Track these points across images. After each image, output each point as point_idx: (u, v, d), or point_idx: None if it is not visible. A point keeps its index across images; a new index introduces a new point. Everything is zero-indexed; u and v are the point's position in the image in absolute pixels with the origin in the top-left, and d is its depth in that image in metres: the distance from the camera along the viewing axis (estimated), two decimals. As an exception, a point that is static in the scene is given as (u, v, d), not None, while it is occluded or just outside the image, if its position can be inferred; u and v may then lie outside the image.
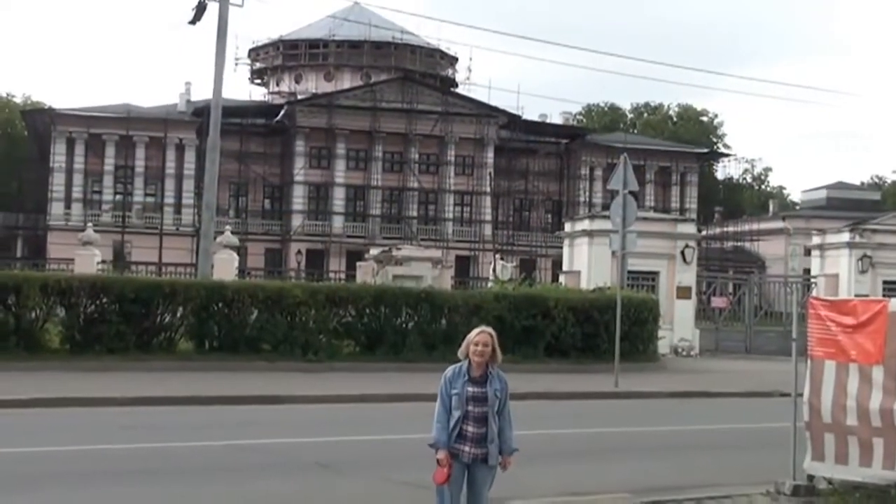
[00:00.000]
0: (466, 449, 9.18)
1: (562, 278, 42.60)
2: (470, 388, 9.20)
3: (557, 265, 61.92)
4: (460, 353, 9.34)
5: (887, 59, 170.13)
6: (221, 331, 26.98)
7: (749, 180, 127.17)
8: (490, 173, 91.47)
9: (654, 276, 39.90)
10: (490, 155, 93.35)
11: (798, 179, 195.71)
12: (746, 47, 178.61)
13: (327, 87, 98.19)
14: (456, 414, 9.17)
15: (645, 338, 32.01)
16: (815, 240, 47.20)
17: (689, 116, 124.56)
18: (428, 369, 24.52)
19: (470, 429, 9.17)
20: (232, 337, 26.85)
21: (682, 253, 40.35)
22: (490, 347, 9.23)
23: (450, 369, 9.35)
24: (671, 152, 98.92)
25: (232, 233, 45.97)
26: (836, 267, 44.23)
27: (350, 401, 22.12)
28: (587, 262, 40.10)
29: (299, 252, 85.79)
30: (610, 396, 25.02)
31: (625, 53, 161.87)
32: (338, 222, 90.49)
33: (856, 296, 34.54)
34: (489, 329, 9.36)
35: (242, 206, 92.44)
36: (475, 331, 9.35)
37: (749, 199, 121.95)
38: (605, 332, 29.85)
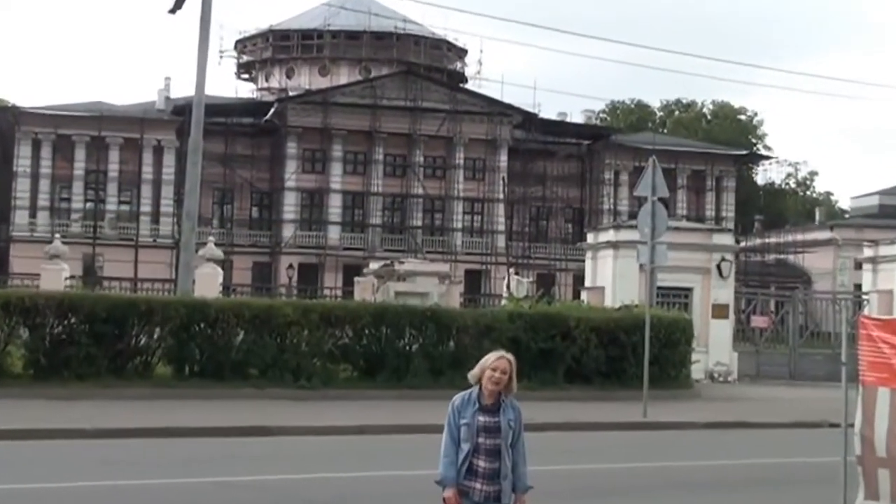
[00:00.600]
0: (477, 486, 9.14)
1: (584, 295, 42.56)
2: (481, 418, 9.16)
3: (579, 280, 61.84)
4: (472, 376, 9.28)
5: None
6: (204, 354, 26.94)
7: (792, 185, 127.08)
8: (503, 178, 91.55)
9: (686, 292, 39.82)
10: (503, 158, 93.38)
11: (847, 185, 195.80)
12: (785, 38, 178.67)
13: (322, 83, 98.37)
14: (465, 447, 9.13)
15: (677, 362, 31.92)
16: (867, 252, 47.08)
17: (726, 115, 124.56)
18: (434, 397, 24.50)
19: (481, 464, 9.13)
20: (215, 361, 26.81)
21: (719, 267, 40.28)
22: (508, 376, 9.20)
23: (458, 397, 9.31)
24: (705, 154, 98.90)
25: (216, 244, 45.96)
26: (891, 282, 44.10)
27: (347, 432, 22.09)
28: (612, 278, 40.04)
29: (290, 266, 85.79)
30: (638, 427, 24.98)
31: (653, 45, 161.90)
32: (333, 233, 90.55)
33: (913, 314, 34.42)
34: (509, 355, 9.30)
35: (227, 214, 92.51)
36: (493, 355, 9.30)
37: (793, 207, 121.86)
38: (633, 356, 29.78)
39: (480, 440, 9.14)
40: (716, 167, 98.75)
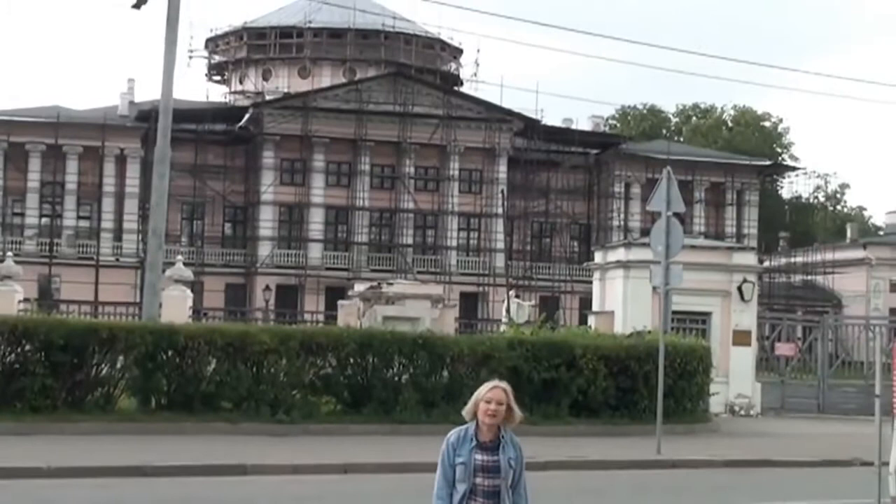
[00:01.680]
0: (474, 531, 9.17)
1: (591, 320, 42.61)
2: (479, 456, 9.20)
3: (585, 304, 61.85)
4: (466, 412, 9.33)
5: None
6: (171, 385, 26.96)
7: (821, 199, 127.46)
8: (502, 191, 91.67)
9: (704, 317, 39.89)
10: (502, 168, 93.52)
11: (882, 199, 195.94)
12: (813, 35, 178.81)
13: (302, 86, 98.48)
14: (461, 488, 9.16)
15: (694, 394, 31.98)
16: (904, 273, 47.16)
17: (748, 121, 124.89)
18: (425, 432, 24.63)
19: (479, 507, 9.17)
20: (184, 393, 26.83)
21: (740, 289, 40.35)
22: (504, 406, 9.22)
23: (453, 433, 9.35)
24: (725, 165, 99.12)
25: (185, 264, 46.04)
26: (930, 306, 44.24)
27: (330, 471, 22.11)
28: (622, 301, 40.10)
29: (267, 288, 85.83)
30: (651, 466, 25.03)
31: (668, 45, 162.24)
32: (315, 251, 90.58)
33: (954, 342, 34.47)
34: (503, 384, 9.35)
35: (198, 231, 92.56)
36: (486, 386, 9.35)
37: (822, 223, 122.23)
38: (645, 387, 29.86)
39: (478, 480, 9.17)
40: (737, 179, 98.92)
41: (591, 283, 46.08)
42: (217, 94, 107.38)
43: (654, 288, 30.41)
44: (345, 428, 27.20)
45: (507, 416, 9.26)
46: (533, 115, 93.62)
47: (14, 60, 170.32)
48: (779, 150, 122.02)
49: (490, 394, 9.25)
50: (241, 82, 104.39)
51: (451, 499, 9.19)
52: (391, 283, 40.54)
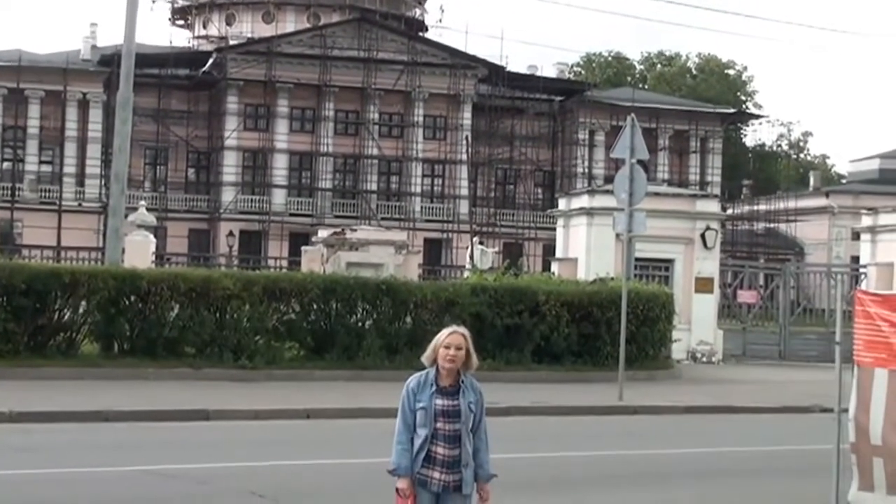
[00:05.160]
0: (436, 475, 9.21)
1: (554, 267, 42.72)
2: (439, 401, 9.24)
3: (549, 251, 62.00)
4: (425, 359, 9.37)
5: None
6: (134, 330, 26.92)
7: (785, 148, 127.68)
8: (467, 137, 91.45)
9: (667, 264, 40.04)
10: (467, 115, 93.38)
11: (845, 147, 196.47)
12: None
13: (266, 31, 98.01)
14: (422, 433, 9.20)
15: (656, 340, 32.13)
16: (866, 221, 47.38)
17: (712, 69, 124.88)
18: (388, 378, 24.65)
19: (440, 451, 9.20)
20: (147, 338, 26.79)
21: (703, 236, 40.49)
22: (463, 351, 9.26)
23: (413, 378, 9.39)
24: (689, 113, 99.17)
25: (148, 209, 45.93)
26: (891, 254, 44.40)
27: (293, 416, 22.15)
28: (585, 248, 40.19)
29: (231, 234, 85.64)
30: (613, 412, 25.14)
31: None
32: (279, 197, 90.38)
33: (914, 289, 34.68)
34: (461, 329, 9.40)
35: (161, 176, 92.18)
36: (444, 331, 9.40)
37: (784, 171, 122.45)
38: (607, 333, 29.96)
39: (439, 425, 9.21)
40: (701, 127, 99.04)
41: (554, 229, 46.19)
42: (180, 38, 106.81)
43: (618, 235, 30.51)
44: (308, 373, 27.26)
45: (466, 361, 9.30)
46: (497, 62, 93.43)
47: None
48: (743, 98, 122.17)
49: (449, 339, 9.29)
50: (204, 27, 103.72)
51: (412, 444, 9.23)
52: (355, 230, 40.63)
